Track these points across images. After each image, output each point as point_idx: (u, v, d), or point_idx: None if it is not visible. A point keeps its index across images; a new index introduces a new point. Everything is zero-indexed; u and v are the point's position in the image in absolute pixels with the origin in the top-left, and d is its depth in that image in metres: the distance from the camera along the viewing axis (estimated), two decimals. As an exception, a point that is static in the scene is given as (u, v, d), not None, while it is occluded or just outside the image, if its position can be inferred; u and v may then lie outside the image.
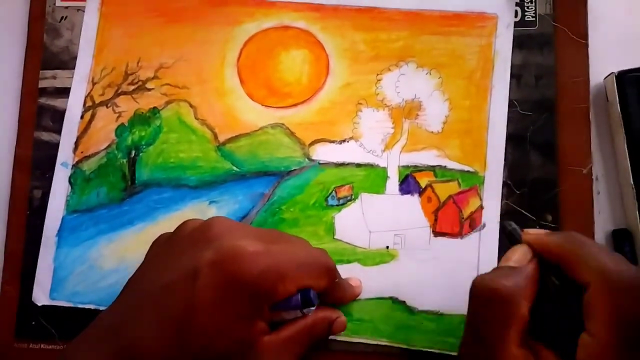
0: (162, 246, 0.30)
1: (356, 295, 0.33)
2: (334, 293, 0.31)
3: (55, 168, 0.36)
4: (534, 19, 0.36)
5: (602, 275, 0.23)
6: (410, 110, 0.36)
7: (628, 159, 0.34)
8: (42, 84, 0.37)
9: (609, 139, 0.36)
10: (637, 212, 0.33)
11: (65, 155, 0.36)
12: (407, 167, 0.35)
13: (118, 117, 0.37)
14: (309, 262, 0.28)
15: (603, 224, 0.35)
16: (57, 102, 0.37)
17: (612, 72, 0.35)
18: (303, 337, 0.29)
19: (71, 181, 0.36)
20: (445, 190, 0.35)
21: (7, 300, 0.35)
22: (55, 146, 0.36)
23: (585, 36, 0.36)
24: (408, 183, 0.35)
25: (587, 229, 0.34)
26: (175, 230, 0.30)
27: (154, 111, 0.36)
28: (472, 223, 0.34)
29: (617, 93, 0.34)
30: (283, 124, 0.36)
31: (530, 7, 0.36)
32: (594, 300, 0.22)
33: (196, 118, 0.36)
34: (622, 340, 0.21)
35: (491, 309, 0.24)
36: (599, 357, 0.22)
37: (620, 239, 0.34)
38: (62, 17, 0.38)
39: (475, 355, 0.25)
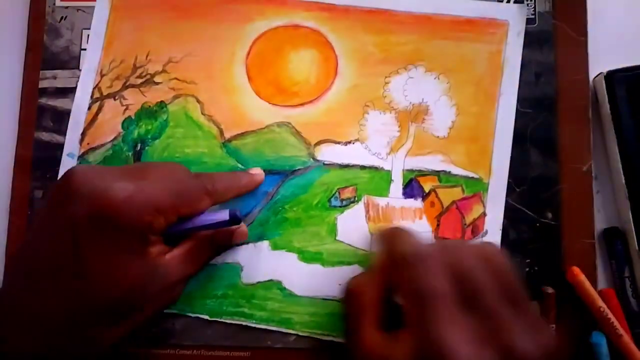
0: (39, 210, 0.29)
1: (254, 182, 0.34)
2: (229, 192, 0.32)
3: (62, 159, 0.36)
4: (533, 16, 0.36)
5: (393, 258, 0.27)
6: (417, 114, 0.36)
7: (619, 159, 0.34)
8: (42, 84, 0.37)
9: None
10: (630, 212, 0.34)
11: (71, 146, 0.36)
12: (411, 171, 0.35)
13: (125, 109, 0.37)
14: (182, 189, 0.29)
15: (603, 222, 0.35)
16: (57, 102, 0.37)
17: (600, 72, 0.35)
18: (205, 246, 0.31)
19: (76, 172, 0.36)
20: (448, 195, 0.35)
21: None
22: (55, 146, 0.36)
23: (584, 33, 0.36)
24: (412, 187, 0.35)
25: (587, 227, 0.34)
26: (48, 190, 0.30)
27: (161, 105, 0.36)
28: (475, 230, 0.34)
29: (606, 93, 0.34)
30: (289, 123, 0.36)
31: (529, 5, 0.36)
32: (395, 277, 0.27)
33: (203, 114, 0.36)
34: (412, 304, 0.25)
35: (347, 303, 0.28)
36: (408, 319, 0.25)
37: (611, 237, 0.35)
38: (62, 17, 0.38)
39: (347, 343, 0.28)
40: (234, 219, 0.30)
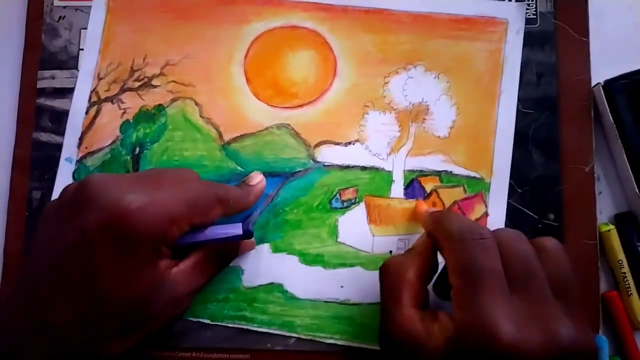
0: (49, 215, 0.29)
1: (260, 191, 0.33)
2: (238, 206, 0.32)
3: (59, 163, 0.36)
4: (534, 16, 0.36)
5: (445, 237, 0.27)
6: (417, 114, 0.36)
7: (630, 171, 0.33)
8: (41, 84, 0.37)
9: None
10: None
11: (69, 150, 0.36)
12: (412, 171, 0.35)
13: (123, 113, 0.36)
14: (195, 198, 0.29)
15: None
16: (55, 103, 0.36)
17: (598, 83, 0.34)
18: (212, 260, 0.31)
19: (75, 177, 0.36)
20: (450, 195, 0.35)
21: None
22: (54, 146, 0.36)
23: (586, 34, 0.36)
24: (413, 187, 0.35)
25: (589, 228, 0.34)
26: (59, 196, 0.29)
27: (159, 108, 0.36)
28: (477, 229, 0.34)
29: (606, 104, 0.34)
30: (289, 125, 0.36)
31: (531, 5, 0.36)
32: (445, 257, 0.27)
33: (201, 116, 0.36)
34: (463, 281, 0.25)
35: (385, 281, 0.29)
36: (455, 300, 0.25)
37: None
38: (60, 17, 0.37)
39: (382, 323, 0.28)
40: (247, 234, 0.30)
